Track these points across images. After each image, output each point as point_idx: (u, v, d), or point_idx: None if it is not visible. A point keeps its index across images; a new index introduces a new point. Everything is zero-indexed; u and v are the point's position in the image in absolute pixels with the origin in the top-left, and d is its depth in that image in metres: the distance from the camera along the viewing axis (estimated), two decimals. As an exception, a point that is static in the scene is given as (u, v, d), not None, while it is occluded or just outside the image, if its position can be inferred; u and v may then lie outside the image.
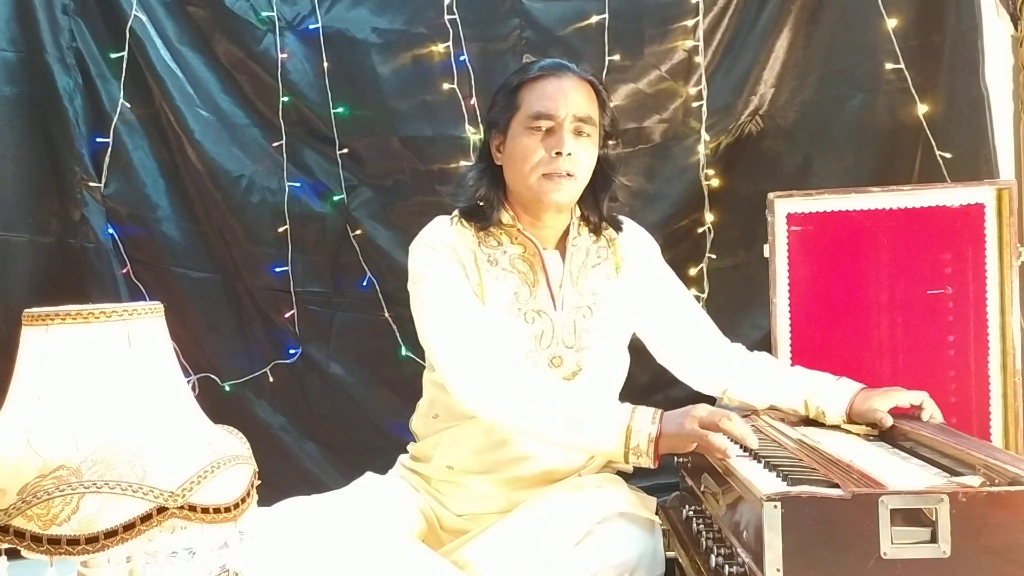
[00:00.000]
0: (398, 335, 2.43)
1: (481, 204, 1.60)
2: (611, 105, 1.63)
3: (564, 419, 1.42)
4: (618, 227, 1.68)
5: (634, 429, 1.38)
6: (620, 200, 1.68)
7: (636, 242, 1.71)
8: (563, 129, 1.52)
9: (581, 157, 1.54)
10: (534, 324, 1.57)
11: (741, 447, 1.34)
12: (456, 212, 1.64)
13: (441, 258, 1.56)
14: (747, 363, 1.72)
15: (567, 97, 1.53)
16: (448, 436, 1.61)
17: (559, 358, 1.58)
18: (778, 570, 1.03)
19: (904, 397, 1.56)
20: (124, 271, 2.42)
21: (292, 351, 2.47)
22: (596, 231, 1.66)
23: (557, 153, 1.51)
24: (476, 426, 1.56)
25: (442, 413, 1.63)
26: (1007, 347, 1.89)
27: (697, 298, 2.31)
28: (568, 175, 1.53)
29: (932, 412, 1.55)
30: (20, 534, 0.95)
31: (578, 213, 1.65)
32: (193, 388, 2.38)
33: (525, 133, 1.54)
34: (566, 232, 1.63)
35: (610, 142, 1.63)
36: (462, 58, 2.39)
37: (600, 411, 1.42)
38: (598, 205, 1.64)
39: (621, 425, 1.39)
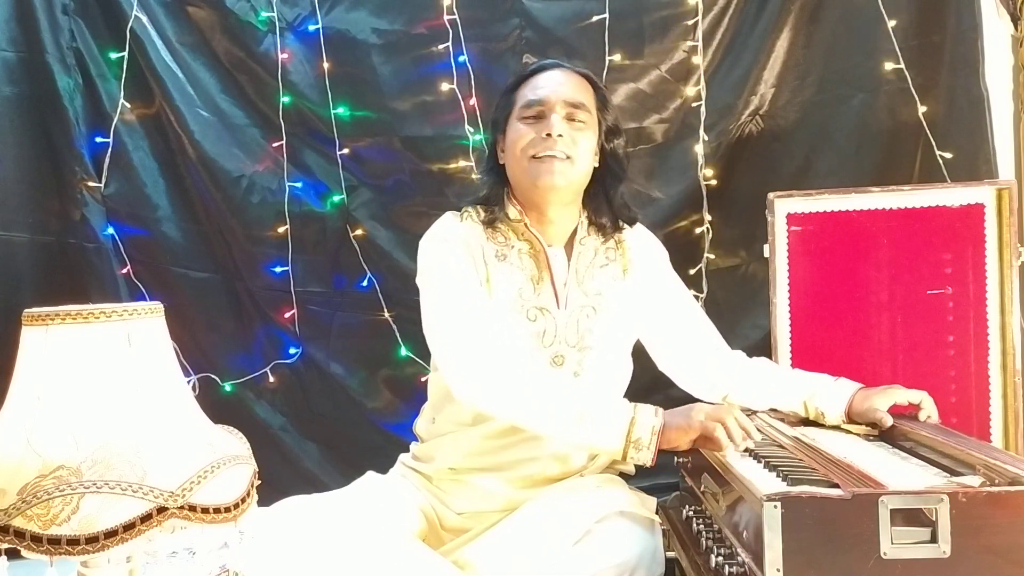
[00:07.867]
0: (398, 335, 2.43)
1: (488, 199, 1.62)
2: (613, 104, 1.66)
3: (566, 414, 1.42)
4: (631, 223, 1.68)
5: (637, 422, 1.39)
6: (629, 204, 1.68)
7: (645, 246, 1.71)
8: (553, 112, 1.55)
9: (577, 139, 1.56)
10: (536, 322, 1.57)
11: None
12: (464, 208, 1.65)
13: (453, 250, 1.57)
14: (747, 369, 1.72)
15: (558, 85, 1.58)
16: (450, 439, 1.61)
17: (561, 357, 1.58)
18: (778, 570, 1.03)
19: (903, 395, 1.56)
20: (124, 271, 2.42)
21: (292, 351, 2.47)
22: (605, 232, 1.65)
23: (548, 135, 1.53)
24: (479, 431, 1.56)
25: (446, 418, 1.62)
26: (1007, 347, 1.89)
27: (696, 298, 2.31)
28: (565, 157, 1.54)
29: (930, 412, 1.56)
30: (20, 534, 0.95)
31: (586, 213, 1.65)
32: (193, 388, 2.38)
33: (519, 123, 1.58)
34: (574, 232, 1.64)
35: (614, 138, 1.64)
36: (462, 58, 2.39)
37: (603, 406, 1.42)
38: (609, 202, 1.64)
39: (624, 420, 1.39)
